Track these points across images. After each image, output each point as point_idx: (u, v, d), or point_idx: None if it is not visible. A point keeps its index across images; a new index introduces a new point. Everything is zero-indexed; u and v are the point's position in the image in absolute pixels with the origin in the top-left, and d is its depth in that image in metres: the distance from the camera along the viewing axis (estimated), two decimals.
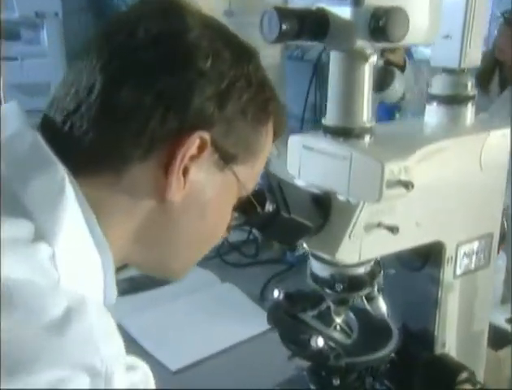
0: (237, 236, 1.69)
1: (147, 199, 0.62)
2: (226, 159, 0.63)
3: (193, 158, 0.60)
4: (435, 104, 0.94)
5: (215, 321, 1.35)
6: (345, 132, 0.83)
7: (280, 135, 0.73)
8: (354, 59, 0.81)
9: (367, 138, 0.83)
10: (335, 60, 0.83)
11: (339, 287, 0.85)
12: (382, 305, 0.89)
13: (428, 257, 0.95)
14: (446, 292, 0.94)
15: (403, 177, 0.80)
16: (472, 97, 0.93)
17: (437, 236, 0.91)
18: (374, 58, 0.81)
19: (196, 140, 0.60)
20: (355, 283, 0.87)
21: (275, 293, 0.98)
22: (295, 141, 0.89)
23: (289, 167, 0.91)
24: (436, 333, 0.96)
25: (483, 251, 0.98)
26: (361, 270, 0.87)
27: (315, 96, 1.91)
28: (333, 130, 0.84)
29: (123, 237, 0.64)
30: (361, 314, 0.93)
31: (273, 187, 0.78)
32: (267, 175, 0.79)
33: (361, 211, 0.81)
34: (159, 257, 0.68)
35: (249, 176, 0.68)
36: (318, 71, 1.87)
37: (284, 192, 0.78)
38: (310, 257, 0.90)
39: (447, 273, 0.94)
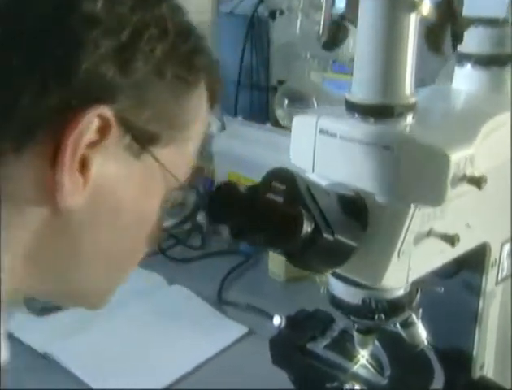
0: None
1: (34, 207, 0.44)
2: (143, 141, 0.45)
3: (93, 144, 0.43)
4: (469, 66, 0.73)
5: (169, 337, 1.09)
6: (383, 111, 0.60)
7: (217, 99, 0.53)
8: (398, 8, 0.57)
9: (410, 118, 0.61)
10: (368, 11, 0.58)
11: (379, 317, 0.63)
12: (422, 333, 0.68)
13: (463, 260, 0.74)
14: (488, 301, 0.75)
15: (469, 171, 0.58)
16: None
17: (485, 236, 0.71)
18: (426, 6, 0.57)
19: (93, 119, 0.42)
20: (394, 309, 0.65)
21: (276, 321, 0.75)
22: (305, 123, 0.65)
23: (295, 158, 0.67)
24: (474, 353, 0.77)
25: None
26: (400, 292, 0.66)
27: (251, 57, 1.65)
28: (365, 108, 0.60)
29: (10, 262, 0.44)
30: (389, 341, 0.72)
31: (303, 195, 0.54)
32: (291, 177, 0.55)
33: (412, 219, 0.59)
34: (65, 282, 0.49)
35: (179, 160, 0.49)
36: (255, 28, 1.61)
37: (318, 202, 0.54)
38: (329, 276, 0.67)
39: (490, 279, 0.74)
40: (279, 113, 1.43)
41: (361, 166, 0.60)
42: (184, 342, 1.08)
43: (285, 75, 1.52)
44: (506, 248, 0.75)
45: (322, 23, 1.37)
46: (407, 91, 0.60)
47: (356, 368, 0.70)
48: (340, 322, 0.75)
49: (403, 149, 0.57)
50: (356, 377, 0.69)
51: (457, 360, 0.77)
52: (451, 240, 0.61)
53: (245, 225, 0.55)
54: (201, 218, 1.43)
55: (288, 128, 1.44)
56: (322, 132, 0.63)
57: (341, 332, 0.74)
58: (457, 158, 0.57)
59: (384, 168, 0.58)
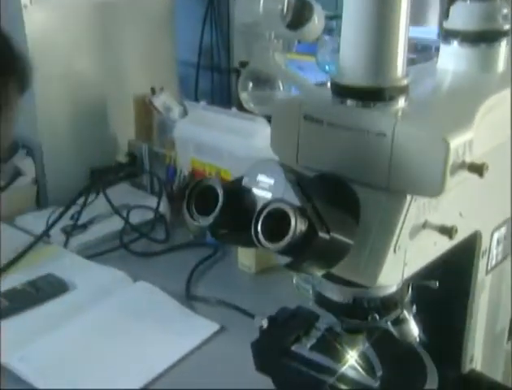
0: (139, 217, 1.37)
1: None
2: None
3: None
4: (455, 43, 0.69)
5: (137, 338, 1.03)
6: (374, 95, 0.55)
7: (28, 86, 0.64)
8: None
9: (402, 101, 0.56)
10: None
11: (373, 316, 0.59)
12: (414, 329, 0.65)
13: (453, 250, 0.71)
14: (478, 292, 0.72)
15: (467, 157, 0.54)
16: (506, 33, 0.68)
17: (477, 224, 0.68)
18: None
19: None
20: (387, 307, 0.62)
21: (257, 322, 0.70)
22: (286, 109, 0.60)
23: (275, 148, 0.62)
24: (464, 346, 0.74)
25: (510, 233, 0.76)
26: (393, 289, 0.62)
27: (211, 37, 1.58)
28: (354, 92, 0.56)
29: None
30: (379, 340, 0.68)
31: (293, 189, 0.49)
32: (278, 170, 0.50)
33: (408, 211, 0.55)
34: None
35: None
36: (215, 6, 1.54)
37: (312, 197, 0.49)
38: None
39: (481, 268, 0.71)
40: (244, 96, 1.37)
41: (351, 155, 0.56)
42: (153, 342, 1.02)
43: (248, 56, 1.47)
44: (496, 235, 0.72)
45: (286, 1, 1.32)
46: (399, 72, 0.56)
47: (345, 370, 0.66)
48: (325, 319, 0.71)
49: (398, 135, 0.53)
50: (346, 380, 0.65)
51: (447, 353, 0.74)
52: (448, 232, 0.57)
53: (230, 225, 0.50)
54: (164, 208, 1.37)
55: (253, 113, 1.39)
56: (306, 118, 0.58)
57: (326, 331, 0.70)
58: (457, 144, 0.53)
59: (378, 156, 0.54)
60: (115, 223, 1.34)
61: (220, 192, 0.49)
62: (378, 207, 0.55)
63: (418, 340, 0.66)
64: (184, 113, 1.39)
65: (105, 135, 1.54)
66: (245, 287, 1.19)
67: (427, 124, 0.53)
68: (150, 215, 1.36)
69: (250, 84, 1.40)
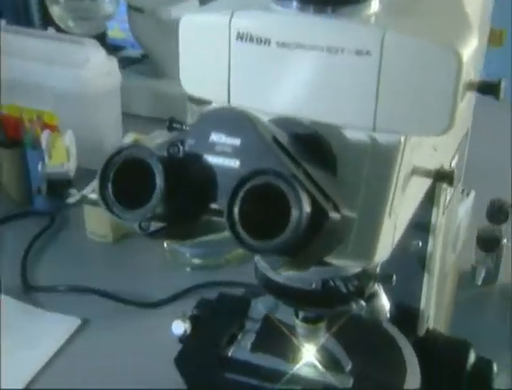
0: None
1: None
2: None
3: None
4: None
5: None
6: None
7: None
8: None
9: (376, 4, 0.44)
10: None
11: (357, 303, 0.48)
12: (386, 304, 0.55)
13: None
14: (437, 238, 0.64)
15: (472, 75, 0.44)
16: None
17: (442, 157, 0.59)
18: None
19: None
20: (365, 285, 0.51)
21: (177, 328, 0.56)
22: (204, 25, 0.45)
23: (189, 83, 0.47)
24: (421, 306, 0.67)
25: (459, 159, 0.69)
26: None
27: None
28: None
29: None
30: (341, 325, 0.58)
31: (274, 152, 0.35)
32: (247, 122, 0.35)
33: (402, 158, 0.44)
34: None
35: None
36: None
37: (302, 163, 0.35)
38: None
39: (440, 210, 0.63)
40: (56, 12, 1.16)
41: (318, 87, 0.43)
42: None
43: None
44: (453, 165, 0.65)
45: None
46: None
47: (305, 371, 0.55)
48: (259, 303, 0.59)
49: (389, 51, 0.41)
50: (311, 384, 0.54)
51: (405, 319, 0.66)
52: (448, 176, 0.47)
53: (171, 215, 0.36)
54: None
55: (75, 33, 1.19)
56: (242, 37, 0.43)
57: (265, 320, 0.59)
58: (467, 56, 0.42)
59: (358, 85, 0.42)
60: None
61: (157, 168, 0.34)
62: (362, 159, 0.43)
63: (388, 315, 0.57)
64: None
65: None
66: (102, 262, 1.03)
67: (425, 33, 0.42)
68: None
69: None
